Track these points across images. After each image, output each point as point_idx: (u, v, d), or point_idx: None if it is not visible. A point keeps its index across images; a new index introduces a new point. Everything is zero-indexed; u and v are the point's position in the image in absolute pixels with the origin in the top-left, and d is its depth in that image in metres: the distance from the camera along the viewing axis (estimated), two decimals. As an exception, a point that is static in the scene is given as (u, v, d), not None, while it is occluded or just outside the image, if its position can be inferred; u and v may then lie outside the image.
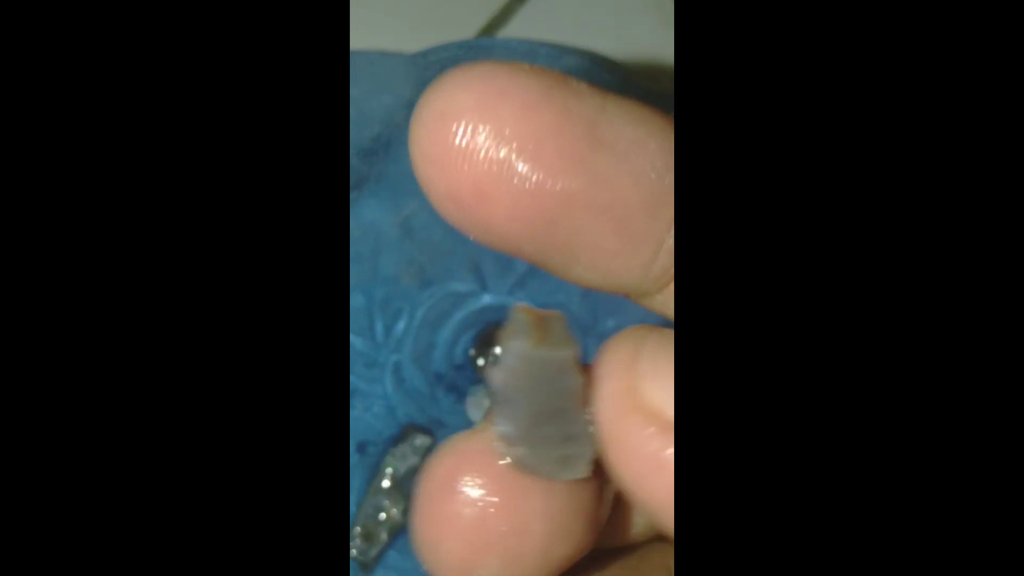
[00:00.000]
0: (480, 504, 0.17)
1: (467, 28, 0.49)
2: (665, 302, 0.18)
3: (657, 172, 0.17)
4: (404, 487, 0.44)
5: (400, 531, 0.43)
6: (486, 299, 0.46)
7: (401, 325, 0.45)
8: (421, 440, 0.44)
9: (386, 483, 0.44)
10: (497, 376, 0.17)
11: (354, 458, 0.44)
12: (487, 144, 0.16)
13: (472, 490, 0.17)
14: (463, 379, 0.45)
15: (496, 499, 0.17)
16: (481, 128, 0.16)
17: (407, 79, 0.46)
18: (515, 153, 0.16)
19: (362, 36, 0.45)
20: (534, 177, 0.17)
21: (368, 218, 0.46)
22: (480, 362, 0.45)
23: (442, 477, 0.17)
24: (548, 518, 0.17)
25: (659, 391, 0.16)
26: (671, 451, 0.16)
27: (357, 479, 0.43)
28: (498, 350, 0.18)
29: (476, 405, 0.45)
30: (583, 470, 0.17)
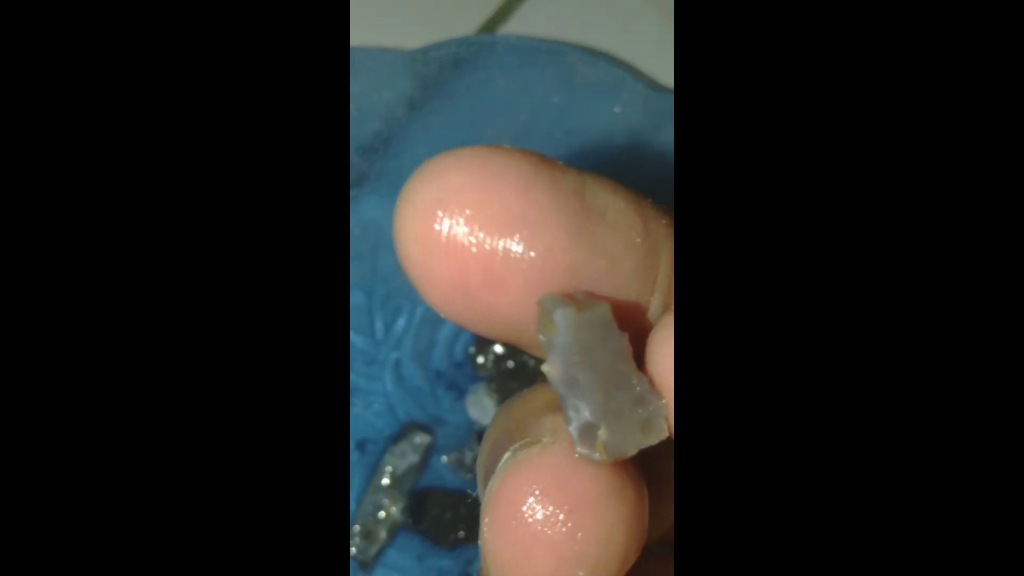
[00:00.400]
0: (566, 522, 0.17)
1: (467, 24, 0.49)
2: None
3: (641, 238, 0.17)
4: (403, 485, 0.44)
5: (399, 529, 0.43)
6: (486, 296, 0.46)
7: (401, 323, 0.45)
8: (421, 438, 0.44)
9: (386, 481, 0.44)
10: (555, 365, 0.17)
11: (353, 456, 0.44)
12: (493, 226, 0.16)
13: (555, 507, 0.17)
14: (463, 377, 0.45)
15: (582, 514, 0.17)
16: (485, 210, 0.16)
17: (407, 75, 0.46)
18: (522, 232, 0.16)
19: (362, 32, 0.45)
20: (542, 254, 0.16)
21: (368, 215, 0.46)
22: (480, 360, 0.45)
23: (518, 498, 0.17)
24: (627, 522, 0.17)
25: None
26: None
27: (356, 477, 0.43)
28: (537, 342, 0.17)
29: (476, 403, 0.45)
30: (663, 428, 0.17)
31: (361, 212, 0.46)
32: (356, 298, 0.45)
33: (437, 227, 0.16)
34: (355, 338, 0.45)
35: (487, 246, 0.16)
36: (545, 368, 0.17)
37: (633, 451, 0.17)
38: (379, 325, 0.45)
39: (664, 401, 0.17)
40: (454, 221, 0.16)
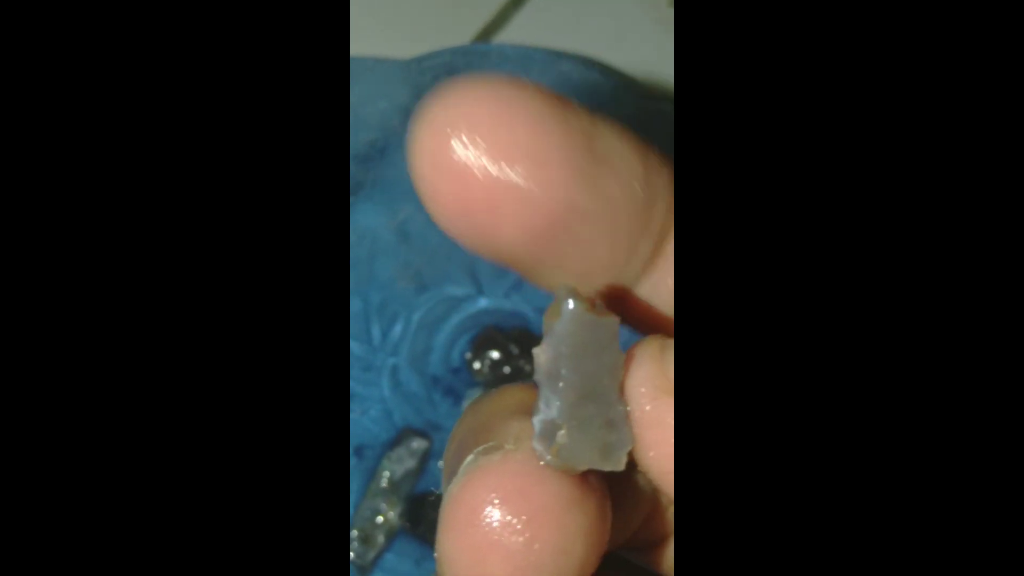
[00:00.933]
0: (523, 531, 0.17)
1: (462, 34, 0.50)
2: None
3: (641, 186, 0.18)
4: (401, 490, 0.44)
5: (397, 534, 0.44)
6: (482, 303, 0.46)
7: (398, 329, 0.45)
8: (418, 443, 0.44)
9: (383, 486, 0.44)
10: (546, 350, 0.17)
11: (351, 461, 0.44)
12: (500, 155, 0.17)
13: (513, 516, 0.17)
14: (460, 382, 0.45)
15: (540, 524, 0.17)
16: (494, 139, 0.17)
17: (402, 84, 0.46)
18: (526, 164, 0.17)
19: (357, 42, 0.45)
20: (543, 188, 0.17)
21: (364, 223, 0.46)
22: (476, 365, 0.45)
23: (477, 504, 0.17)
24: (586, 534, 0.17)
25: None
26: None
27: (354, 482, 0.44)
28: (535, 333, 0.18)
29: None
30: (622, 461, 0.17)
31: (357, 220, 0.46)
32: (353, 305, 0.45)
33: (447, 149, 0.17)
34: (352, 344, 0.45)
35: (491, 173, 0.17)
36: (536, 351, 0.17)
37: (583, 468, 0.17)
38: (376, 331, 0.46)
39: (630, 439, 0.17)
40: (463, 145, 0.17)
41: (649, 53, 0.48)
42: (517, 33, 0.51)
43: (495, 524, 0.17)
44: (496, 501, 0.17)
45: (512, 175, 0.17)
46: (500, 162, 0.17)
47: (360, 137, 0.46)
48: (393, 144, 0.46)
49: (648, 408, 0.17)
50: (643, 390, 0.17)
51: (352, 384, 0.45)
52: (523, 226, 0.17)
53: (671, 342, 0.18)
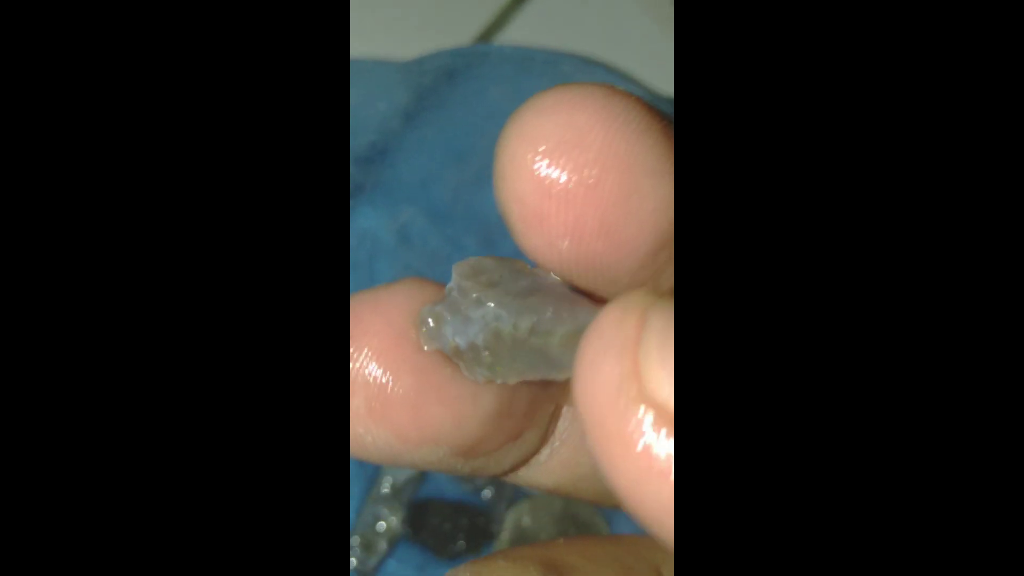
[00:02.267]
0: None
1: (462, 35, 0.49)
2: None
3: None
4: (403, 496, 0.43)
5: (399, 540, 0.43)
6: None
7: (398, 333, 0.45)
8: (420, 448, 0.44)
9: (385, 491, 0.43)
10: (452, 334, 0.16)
11: (352, 467, 0.44)
12: (611, 170, 0.15)
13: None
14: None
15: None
16: (607, 154, 0.15)
17: (402, 86, 0.46)
18: (646, 179, 0.15)
19: (356, 43, 0.45)
20: (659, 203, 0.15)
21: (364, 225, 0.46)
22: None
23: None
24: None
25: (668, 378, 0.13)
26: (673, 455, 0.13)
27: (355, 488, 0.43)
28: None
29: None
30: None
31: (357, 222, 0.46)
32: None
33: (553, 168, 0.15)
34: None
35: (603, 189, 0.15)
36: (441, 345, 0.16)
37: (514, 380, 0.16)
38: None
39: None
40: (571, 163, 0.15)
41: (649, 53, 0.48)
42: (517, 33, 0.50)
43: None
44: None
45: (631, 191, 0.15)
46: (612, 177, 0.15)
47: (360, 139, 0.46)
48: (393, 146, 0.46)
49: (605, 420, 0.13)
50: (601, 395, 0.13)
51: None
52: (639, 248, 0.15)
53: (659, 304, 0.14)
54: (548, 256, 0.15)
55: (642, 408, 0.13)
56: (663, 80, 0.49)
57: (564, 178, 0.15)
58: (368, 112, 0.46)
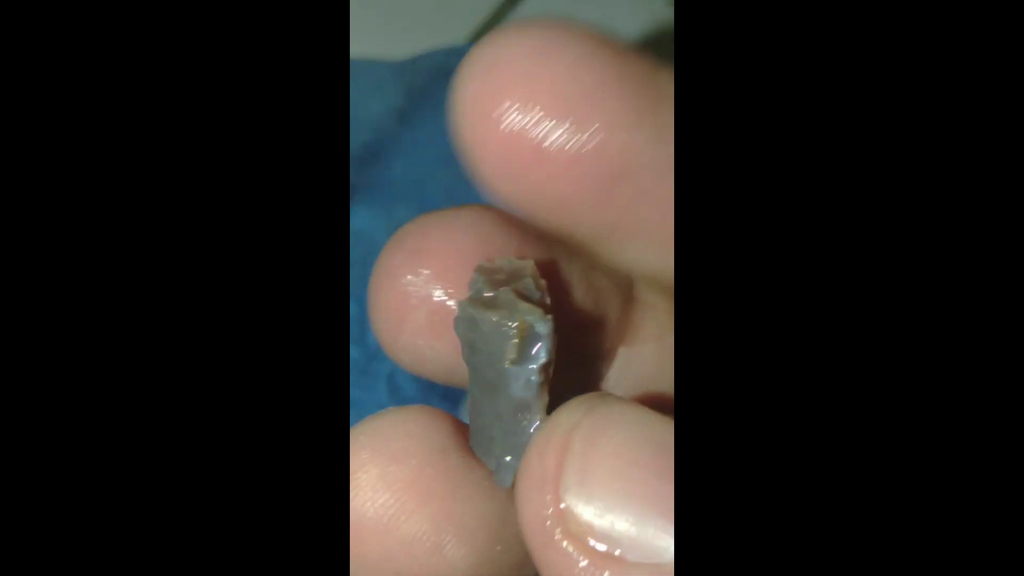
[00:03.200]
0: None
1: (456, 34, 0.49)
2: None
3: None
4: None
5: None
6: (479, 306, 0.46)
7: (394, 333, 0.45)
8: (416, 449, 0.44)
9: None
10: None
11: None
12: (547, 99, 0.15)
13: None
14: (457, 387, 0.45)
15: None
16: (540, 81, 0.15)
17: (396, 86, 0.46)
18: (579, 108, 0.15)
19: (350, 42, 0.45)
20: (597, 131, 0.15)
21: (360, 226, 0.46)
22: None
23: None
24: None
25: (591, 506, 0.13)
26: None
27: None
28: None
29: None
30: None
31: (352, 223, 0.46)
32: (349, 309, 0.45)
33: (488, 97, 0.15)
34: (349, 349, 0.45)
35: (541, 122, 0.15)
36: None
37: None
38: (372, 336, 0.45)
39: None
40: (508, 96, 0.15)
41: (648, 53, 0.48)
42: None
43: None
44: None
45: (562, 117, 0.15)
46: (548, 109, 0.15)
47: (354, 139, 0.46)
48: (388, 146, 0.46)
49: (541, 556, 0.14)
50: (532, 533, 0.14)
51: (350, 389, 0.44)
52: (577, 174, 0.15)
53: (588, 418, 0.14)
54: (512, 197, 0.16)
55: (567, 545, 0.13)
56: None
57: (508, 114, 0.15)
58: (362, 112, 0.46)
